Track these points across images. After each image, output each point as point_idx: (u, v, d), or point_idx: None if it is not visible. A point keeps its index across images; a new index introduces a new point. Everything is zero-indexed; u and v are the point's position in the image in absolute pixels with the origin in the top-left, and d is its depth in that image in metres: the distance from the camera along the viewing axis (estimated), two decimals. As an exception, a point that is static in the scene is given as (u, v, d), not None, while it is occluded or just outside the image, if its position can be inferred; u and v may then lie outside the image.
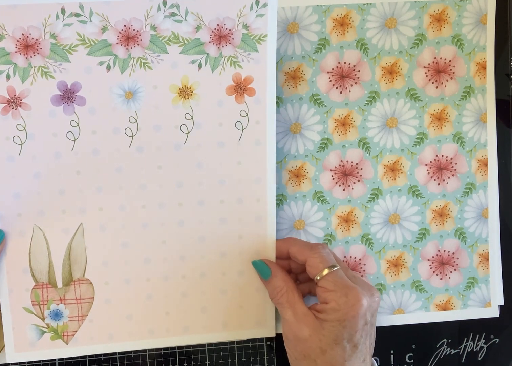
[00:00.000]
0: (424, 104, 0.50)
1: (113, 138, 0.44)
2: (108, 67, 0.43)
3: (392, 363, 0.51)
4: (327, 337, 0.41)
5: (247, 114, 0.45)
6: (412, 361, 0.52)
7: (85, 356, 0.49)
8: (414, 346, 0.52)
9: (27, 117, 0.43)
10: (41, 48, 0.42)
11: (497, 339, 0.52)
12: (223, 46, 0.44)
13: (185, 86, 0.44)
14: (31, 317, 0.46)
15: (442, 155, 0.51)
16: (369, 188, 0.50)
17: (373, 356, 0.50)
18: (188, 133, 0.45)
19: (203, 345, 0.50)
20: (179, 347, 0.50)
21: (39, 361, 0.48)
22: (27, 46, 0.42)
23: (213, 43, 0.44)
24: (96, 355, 0.49)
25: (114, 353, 0.49)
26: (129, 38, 0.43)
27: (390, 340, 0.51)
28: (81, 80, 0.43)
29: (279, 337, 0.49)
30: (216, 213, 0.47)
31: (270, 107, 0.45)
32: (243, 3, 0.43)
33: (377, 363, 0.51)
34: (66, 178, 0.45)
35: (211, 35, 0.44)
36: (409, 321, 0.51)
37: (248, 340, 0.51)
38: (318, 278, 0.42)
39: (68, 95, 0.43)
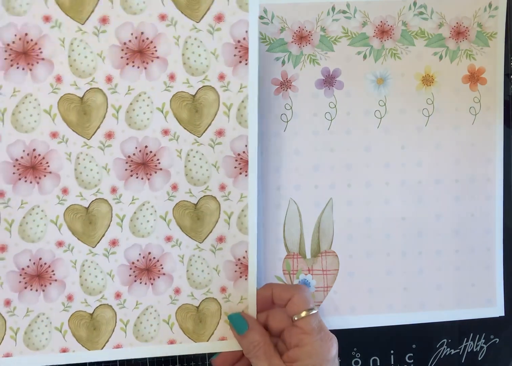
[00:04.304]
0: None
1: (364, 119, 0.49)
2: (365, 56, 0.49)
3: (392, 363, 0.51)
4: None
5: (479, 100, 0.50)
6: (412, 361, 0.51)
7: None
8: (414, 346, 0.52)
9: (294, 97, 0.48)
10: (312, 39, 0.48)
11: (497, 339, 0.52)
12: (460, 41, 0.50)
13: (427, 74, 0.50)
14: (283, 286, 0.48)
15: None
16: None
17: (373, 356, 0.51)
18: (429, 116, 0.50)
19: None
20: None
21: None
22: (302, 37, 0.48)
23: (453, 38, 0.50)
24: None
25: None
26: (384, 32, 0.49)
27: (390, 340, 0.51)
28: (341, 67, 0.49)
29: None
30: (451, 191, 0.50)
31: (499, 95, 0.50)
32: (479, 5, 0.50)
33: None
34: (321, 155, 0.49)
35: (451, 31, 0.50)
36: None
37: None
38: (296, 318, 0.42)
39: (329, 80, 0.49)
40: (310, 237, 0.49)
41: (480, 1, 0.50)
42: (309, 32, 0.48)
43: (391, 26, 0.49)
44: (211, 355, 0.48)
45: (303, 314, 0.42)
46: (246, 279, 0.46)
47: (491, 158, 0.51)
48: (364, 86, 0.49)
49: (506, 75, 0.51)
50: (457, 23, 0.50)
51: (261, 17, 0.47)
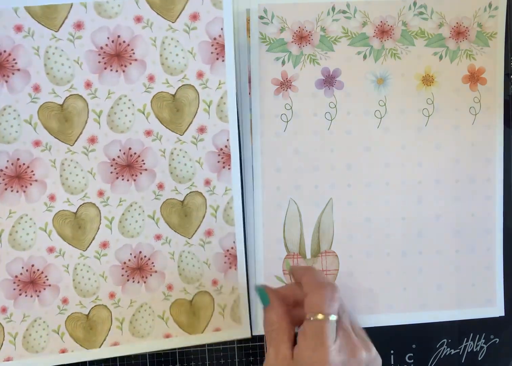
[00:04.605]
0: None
1: (364, 119, 0.49)
2: (365, 56, 0.49)
3: (392, 363, 0.51)
4: None
5: (479, 100, 0.50)
6: (412, 361, 0.51)
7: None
8: (414, 346, 0.51)
9: (294, 97, 0.48)
10: (312, 39, 0.48)
11: (497, 339, 0.52)
12: (460, 41, 0.50)
13: (427, 74, 0.50)
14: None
15: None
16: None
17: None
18: (429, 116, 0.50)
19: (203, 345, 0.48)
20: (179, 347, 0.48)
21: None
22: (302, 37, 0.48)
23: (453, 38, 0.50)
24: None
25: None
26: (384, 32, 0.49)
27: (390, 340, 0.51)
28: (341, 67, 0.49)
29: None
30: (451, 192, 0.50)
31: (499, 95, 0.50)
32: (479, 5, 0.50)
33: None
34: (321, 156, 0.49)
35: (451, 31, 0.50)
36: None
37: (248, 340, 0.49)
38: (312, 318, 0.37)
39: (329, 80, 0.49)
40: (310, 237, 0.49)
41: (480, 1, 0.50)
42: (309, 32, 0.48)
43: (391, 26, 0.49)
44: (211, 354, 0.49)
45: (319, 316, 0.38)
46: (236, 269, 0.47)
47: (491, 158, 0.51)
48: (364, 86, 0.49)
49: (506, 75, 0.51)
50: (457, 23, 0.50)
51: (261, 17, 0.47)
